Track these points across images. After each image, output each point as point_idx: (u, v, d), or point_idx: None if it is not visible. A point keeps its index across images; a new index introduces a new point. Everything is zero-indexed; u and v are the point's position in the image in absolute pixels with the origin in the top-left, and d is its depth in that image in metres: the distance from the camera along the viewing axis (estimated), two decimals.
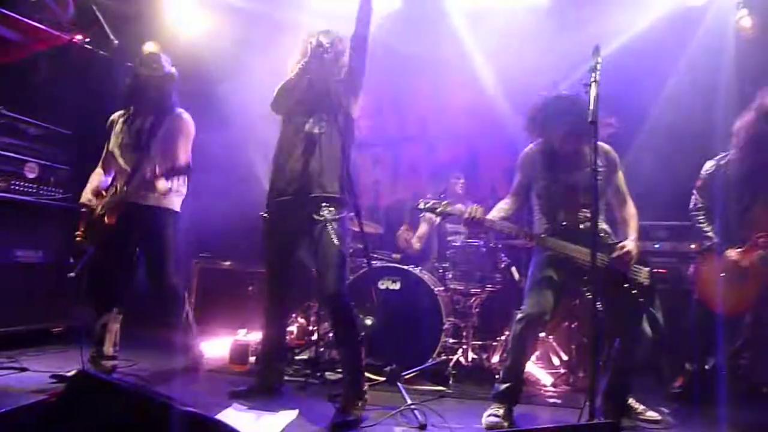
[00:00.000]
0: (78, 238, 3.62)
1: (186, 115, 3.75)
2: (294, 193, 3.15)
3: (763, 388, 3.75)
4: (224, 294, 5.08)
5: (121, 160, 3.66)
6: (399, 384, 3.34)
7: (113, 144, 3.72)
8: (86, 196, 3.68)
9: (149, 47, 5.77)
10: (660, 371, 3.92)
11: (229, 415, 2.90)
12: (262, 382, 3.40)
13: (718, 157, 3.52)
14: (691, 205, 3.54)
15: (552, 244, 3.12)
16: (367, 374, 3.33)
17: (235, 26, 5.52)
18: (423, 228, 5.09)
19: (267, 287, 3.38)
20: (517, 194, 3.36)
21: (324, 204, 3.11)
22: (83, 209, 3.65)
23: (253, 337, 4.26)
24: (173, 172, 3.44)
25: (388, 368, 3.41)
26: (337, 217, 3.11)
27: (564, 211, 3.18)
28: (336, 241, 3.07)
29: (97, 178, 3.77)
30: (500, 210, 3.29)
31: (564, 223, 3.15)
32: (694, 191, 3.54)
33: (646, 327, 3.07)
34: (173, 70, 3.71)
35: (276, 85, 3.26)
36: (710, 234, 3.42)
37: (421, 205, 3.24)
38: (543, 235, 3.17)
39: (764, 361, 3.78)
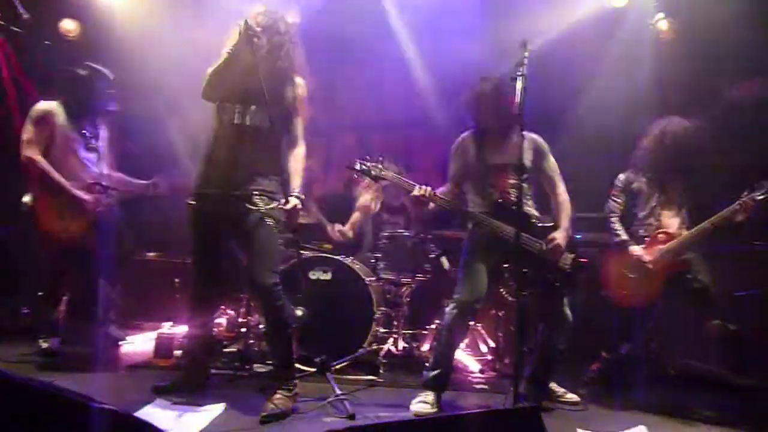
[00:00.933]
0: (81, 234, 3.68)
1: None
2: (226, 183, 3.05)
3: (670, 370, 4.04)
4: (149, 286, 4.89)
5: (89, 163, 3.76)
6: (328, 374, 3.32)
7: (65, 140, 3.71)
8: (80, 192, 3.69)
9: (66, 24, 5.45)
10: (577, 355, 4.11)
11: (152, 412, 2.79)
12: (187, 376, 3.29)
13: (628, 171, 3.73)
14: (606, 210, 3.74)
15: (482, 219, 3.19)
16: (297, 365, 3.30)
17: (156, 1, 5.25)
18: (356, 215, 4.97)
19: (193, 279, 3.28)
20: (454, 183, 3.41)
21: (257, 195, 3.03)
22: (93, 208, 3.70)
23: (179, 330, 4.13)
24: None
25: (318, 359, 3.39)
26: (270, 206, 3.04)
27: (496, 191, 3.26)
28: (268, 232, 3.02)
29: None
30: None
31: (500, 201, 3.23)
32: (609, 198, 3.74)
33: (568, 311, 3.21)
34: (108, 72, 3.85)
35: (203, 71, 3.10)
36: (620, 232, 3.63)
37: (357, 166, 3.20)
38: (473, 211, 3.25)
39: (670, 346, 4.08)
